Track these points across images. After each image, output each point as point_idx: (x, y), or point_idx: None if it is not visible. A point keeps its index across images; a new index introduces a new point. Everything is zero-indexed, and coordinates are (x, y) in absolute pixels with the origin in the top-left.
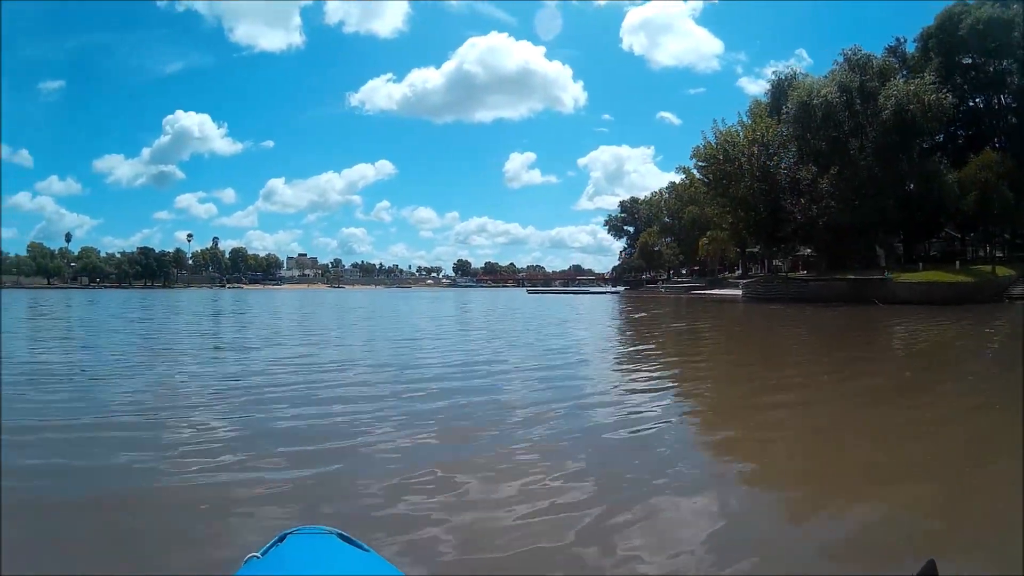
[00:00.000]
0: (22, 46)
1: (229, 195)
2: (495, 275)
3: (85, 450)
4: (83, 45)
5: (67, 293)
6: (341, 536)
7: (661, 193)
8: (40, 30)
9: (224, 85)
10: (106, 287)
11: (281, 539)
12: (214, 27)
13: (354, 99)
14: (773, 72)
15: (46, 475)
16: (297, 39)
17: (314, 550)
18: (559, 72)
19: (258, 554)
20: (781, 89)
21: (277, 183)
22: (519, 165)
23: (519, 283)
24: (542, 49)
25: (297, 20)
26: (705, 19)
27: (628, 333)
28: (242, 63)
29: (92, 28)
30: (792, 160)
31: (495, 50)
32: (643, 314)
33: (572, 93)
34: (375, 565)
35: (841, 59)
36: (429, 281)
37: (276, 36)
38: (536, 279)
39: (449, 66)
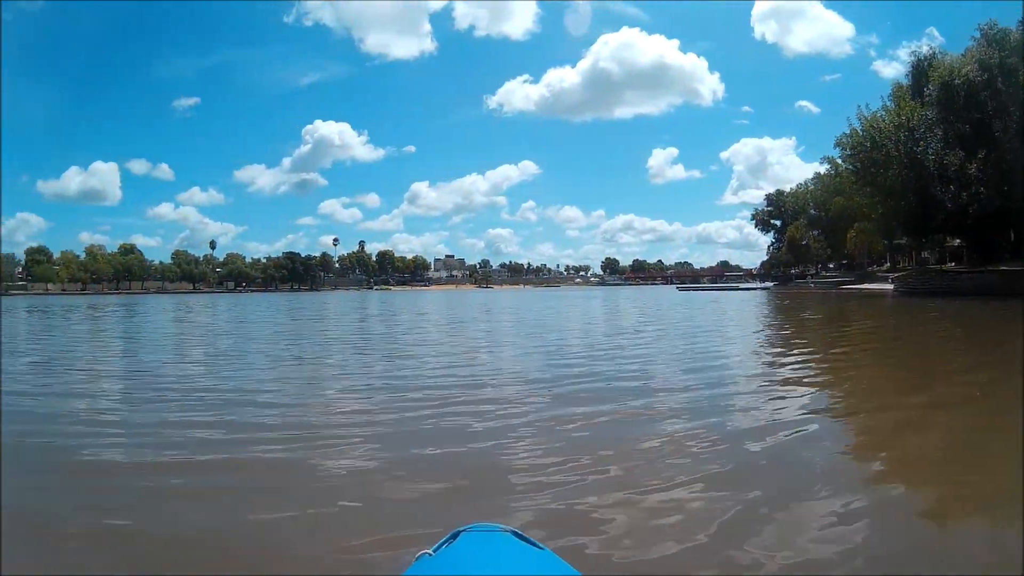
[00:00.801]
0: (157, 67)
1: (373, 200)
2: (643, 273)
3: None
4: (215, 63)
5: (213, 297)
6: (515, 534)
7: (807, 184)
8: (174, 51)
9: (361, 93)
10: (252, 291)
11: (454, 536)
12: (344, 38)
13: (491, 101)
14: (911, 52)
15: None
16: (429, 45)
17: (488, 547)
18: (695, 64)
19: (430, 551)
20: (921, 70)
21: (421, 186)
22: (662, 161)
23: (667, 280)
24: (676, 42)
25: (427, 27)
26: (833, 3)
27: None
28: (376, 71)
29: (224, 47)
30: (939, 145)
31: (629, 45)
32: (809, 313)
33: (709, 85)
34: (551, 564)
35: (978, 35)
36: (578, 280)
37: (408, 44)
38: (684, 276)
39: (584, 64)
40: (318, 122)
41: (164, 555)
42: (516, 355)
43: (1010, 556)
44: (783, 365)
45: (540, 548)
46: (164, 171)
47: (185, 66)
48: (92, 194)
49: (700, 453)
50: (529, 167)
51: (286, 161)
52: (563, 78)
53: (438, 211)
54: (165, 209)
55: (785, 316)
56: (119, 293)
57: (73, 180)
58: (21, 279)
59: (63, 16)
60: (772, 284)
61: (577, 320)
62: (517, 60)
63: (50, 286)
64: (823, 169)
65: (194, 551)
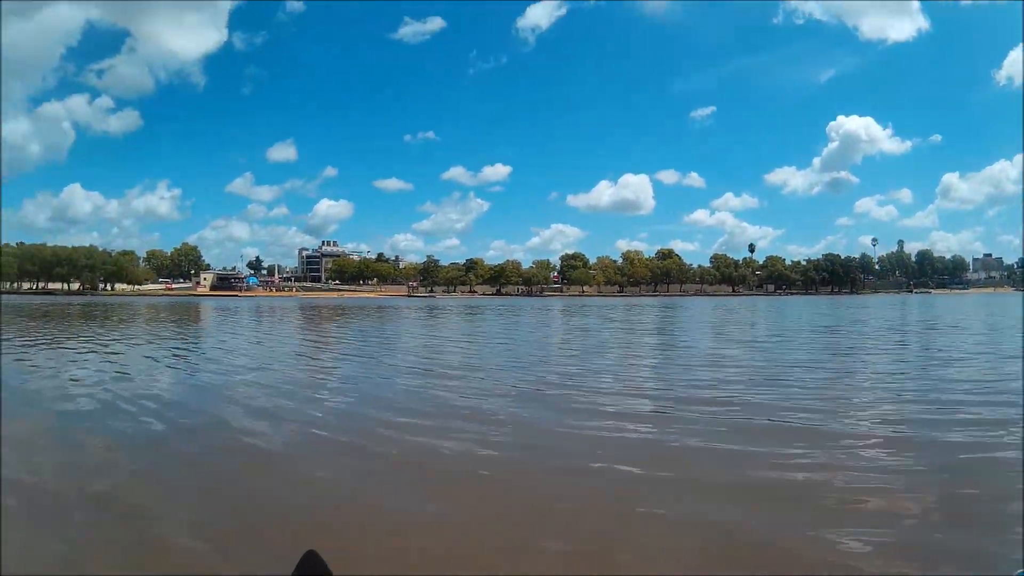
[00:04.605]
0: (674, 82)
1: (905, 195)
2: None
3: None
4: (726, 73)
5: (753, 300)
6: None
7: None
8: (691, 67)
9: (876, 83)
10: (790, 293)
11: None
12: (840, 29)
13: (999, 76)
14: None
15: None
16: (923, 23)
17: None
18: None
19: None
20: None
21: (951, 178)
22: None
23: None
24: None
25: (915, 3)
26: None
27: None
28: (881, 58)
29: (732, 56)
30: None
31: None
32: None
33: None
34: None
35: None
36: None
37: (902, 25)
38: None
39: None
40: (841, 118)
41: None
42: None
43: None
44: None
45: None
46: (694, 179)
47: (702, 79)
48: (627, 204)
49: None
50: None
51: (816, 161)
52: None
53: (971, 204)
54: (701, 215)
55: None
56: (655, 295)
57: (604, 193)
58: (556, 283)
59: (580, 42)
60: None
61: None
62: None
63: (586, 288)
64: None
65: None
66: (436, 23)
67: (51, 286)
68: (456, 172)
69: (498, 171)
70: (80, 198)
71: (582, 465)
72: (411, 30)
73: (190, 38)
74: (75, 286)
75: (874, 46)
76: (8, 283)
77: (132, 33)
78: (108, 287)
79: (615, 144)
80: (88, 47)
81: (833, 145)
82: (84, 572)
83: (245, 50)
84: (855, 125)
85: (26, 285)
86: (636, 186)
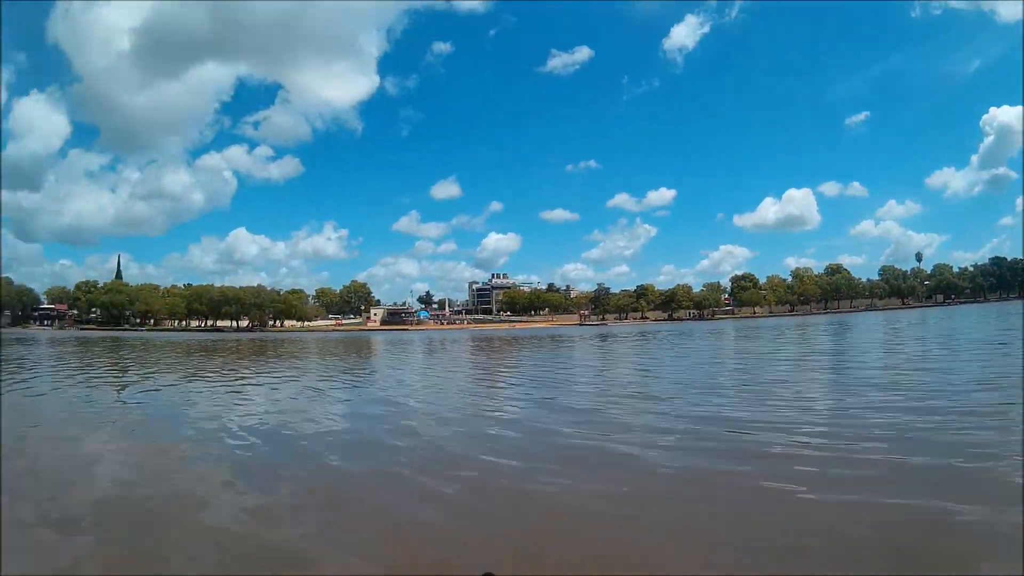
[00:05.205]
0: (825, 90)
1: None
2: None
3: None
4: (878, 73)
5: (923, 312)
6: None
7: None
8: (842, 71)
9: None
10: (960, 302)
11: None
12: (976, 15)
13: None
14: None
15: None
16: None
17: None
18: None
19: None
20: None
21: None
22: None
23: None
24: None
25: None
26: None
27: None
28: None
29: (882, 54)
30: None
31: None
32: None
33: None
34: None
35: None
36: None
37: None
38: None
39: None
40: (993, 110)
41: None
42: None
43: None
44: None
45: None
46: (856, 189)
47: (852, 84)
48: (792, 220)
49: None
50: None
51: (973, 158)
52: None
53: None
54: (866, 226)
55: None
56: (826, 312)
57: (769, 210)
58: (727, 305)
59: (728, 58)
60: None
61: None
62: None
63: (757, 309)
64: None
65: None
66: (584, 53)
67: (219, 324)
68: (621, 199)
69: (663, 195)
70: (246, 241)
71: None
72: (560, 61)
73: (341, 86)
74: (243, 323)
75: (1011, 29)
76: (177, 321)
77: (284, 85)
78: (277, 323)
79: (775, 159)
80: (241, 101)
81: (989, 140)
82: None
83: (398, 94)
84: (1008, 116)
85: (194, 323)
86: (800, 201)
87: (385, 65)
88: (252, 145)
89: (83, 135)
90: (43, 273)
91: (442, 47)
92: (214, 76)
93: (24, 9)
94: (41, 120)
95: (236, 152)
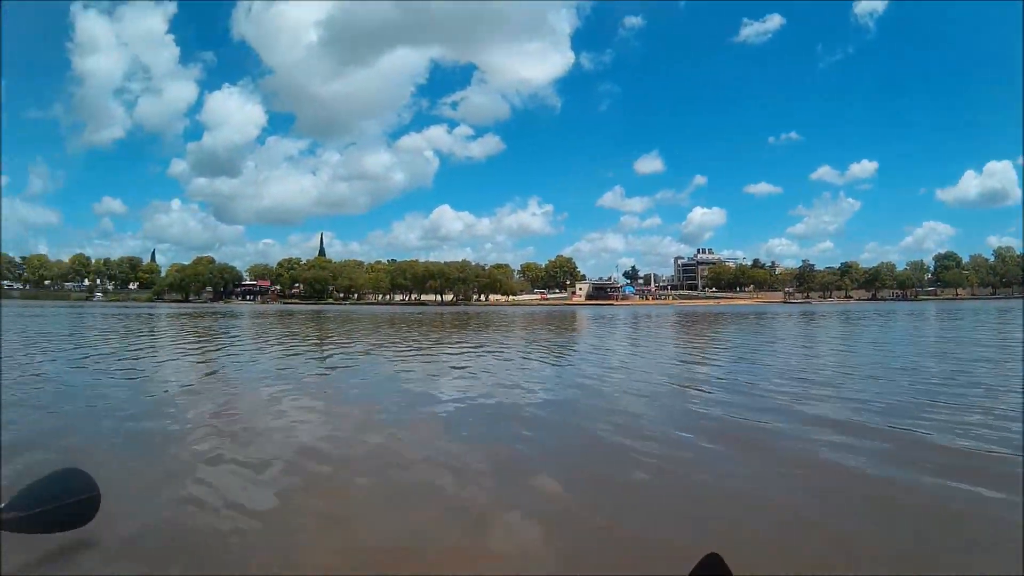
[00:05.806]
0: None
1: None
2: None
3: None
4: None
5: None
6: None
7: None
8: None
9: None
10: None
11: None
12: None
13: None
14: None
15: None
16: None
17: None
18: None
19: None
20: None
21: None
22: None
23: None
24: None
25: None
26: None
27: None
28: None
29: None
30: None
31: None
32: None
33: None
34: None
35: None
36: None
37: None
38: None
39: None
40: None
41: None
42: None
43: None
44: None
45: None
46: None
47: None
48: (994, 196)
49: None
50: None
51: None
52: None
53: None
54: None
55: None
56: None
57: (971, 184)
58: (930, 285)
59: (919, 20)
60: None
61: None
62: None
63: (960, 291)
64: None
65: None
66: (775, 21)
67: (424, 298)
68: (823, 171)
69: (865, 167)
70: (450, 218)
71: None
72: (752, 31)
73: (537, 64)
74: (448, 298)
75: None
76: (380, 295)
77: (478, 66)
78: (482, 298)
79: (975, 128)
80: (437, 83)
81: None
82: None
83: (594, 69)
84: None
85: (398, 297)
86: (1001, 174)
87: (579, 41)
88: (452, 125)
89: (280, 123)
90: (245, 252)
91: (634, 20)
92: (407, 61)
93: (204, 9)
94: (235, 111)
95: (436, 132)
